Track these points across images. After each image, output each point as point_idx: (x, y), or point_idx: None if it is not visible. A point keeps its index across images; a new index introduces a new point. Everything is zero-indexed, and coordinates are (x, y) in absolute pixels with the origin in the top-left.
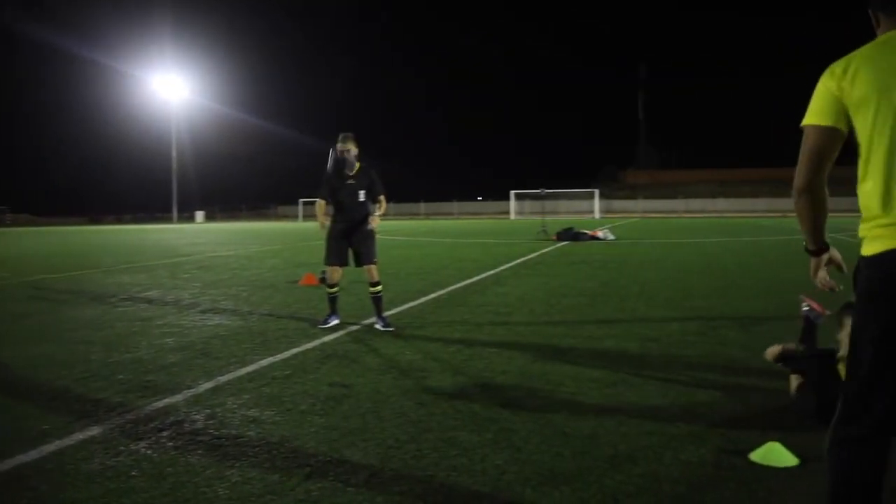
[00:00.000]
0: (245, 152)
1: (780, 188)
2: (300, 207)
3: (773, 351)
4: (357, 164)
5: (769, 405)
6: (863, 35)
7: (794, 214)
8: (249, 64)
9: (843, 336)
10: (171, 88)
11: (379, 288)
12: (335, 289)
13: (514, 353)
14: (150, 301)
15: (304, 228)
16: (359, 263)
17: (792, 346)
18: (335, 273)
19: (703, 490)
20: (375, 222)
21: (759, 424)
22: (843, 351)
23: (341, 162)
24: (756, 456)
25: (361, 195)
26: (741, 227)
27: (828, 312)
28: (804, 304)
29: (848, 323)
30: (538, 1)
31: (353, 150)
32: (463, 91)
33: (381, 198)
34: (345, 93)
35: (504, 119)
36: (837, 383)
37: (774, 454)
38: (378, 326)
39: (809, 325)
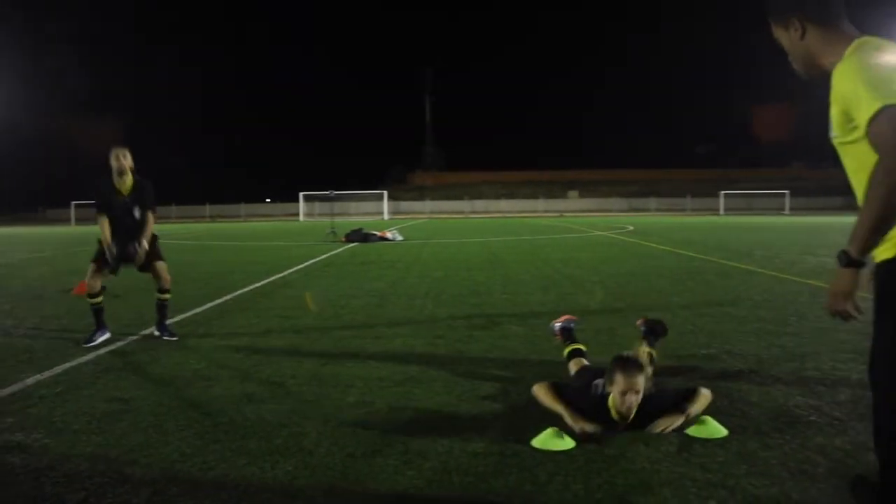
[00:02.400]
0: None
1: (555, 190)
2: (72, 210)
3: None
4: (130, 178)
5: None
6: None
7: (573, 214)
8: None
9: (614, 391)
10: None
11: (168, 296)
12: (98, 299)
13: (304, 356)
14: None
15: (79, 233)
16: (144, 269)
17: (567, 317)
18: (96, 279)
19: (489, 479)
20: (143, 248)
21: (540, 412)
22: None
23: (110, 180)
24: (537, 442)
25: (136, 212)
26: (522, 227)
27: (577, 318)
28: (555, 324)
29: (619, 380)
30: (330, 5)
31: (127, 163)
32: (251, 91)
33: (150, 214)
34: (127, 90)
35: (294, 120)
36: (602, 415)
37: (553, 439)
38: (158, 334)
39: (568, 331)
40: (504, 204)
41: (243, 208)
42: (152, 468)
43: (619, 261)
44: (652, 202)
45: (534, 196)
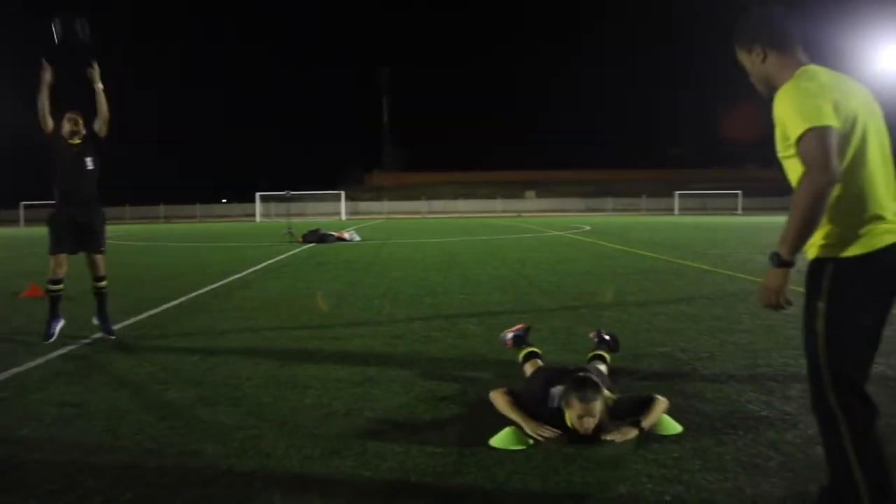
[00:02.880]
0: None
1: (513, 190)
2: (21, 211)
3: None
4: (81, 141)
5: None
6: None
7: (530, 214)
8: None
9: (571, 415)
10: None
11: (105, 283)
12: (60, 286)
13: (260, 358)
14: None
15: (28, 235)
16: (83, 250)
17: (519, 326)
18: (61, 266)
19: (447, 478)
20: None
21: (497, 411)
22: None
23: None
24: (495, 441)
25: (89, 162)
26: (480, 227)
27: (528, 326)
28: (507, 334)
29: (575, 404)
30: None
31: (79, 129)
32: (206, 90)
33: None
34: (75, 90)
35: (250, 120)
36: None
37: (511, 438)
38: (98, 323)
39: (519, 339)
40: (462, 204)
41: (199, 209)
42: (105, 474)
43: (576, 260)
44: (608, 202)
45: (492, 196)
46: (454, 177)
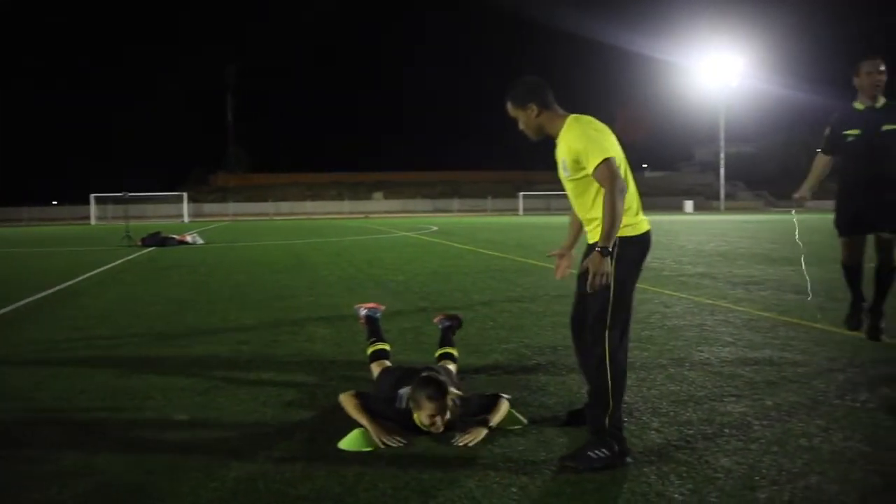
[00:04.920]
0: None
1: (361, 191)
2: None
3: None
4: None
5: None
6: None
7: (378, 215)
8: None
9: (421, 415)
10: None
11: None
12: None
13: (97, 369)
14: None
15: None
16: None
17: (372, 305)
18: None
19: (296, 483)
20: None
21: (346, 413)
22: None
23: None
24: (344, 444)
25: None
26: (328, 228)
27: (383, 307)
28: (360, 309)
29: (424, 404)
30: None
31: None
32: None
33: None
34: None
35: (85, 116)
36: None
37: (359, 440)
38: None
39: (372, 321)
40: (310, 205)
41: (26, 211)
42: None
43: (424, 260)
44: (455, 203)
45: (339, 198)
46: (301, 178)
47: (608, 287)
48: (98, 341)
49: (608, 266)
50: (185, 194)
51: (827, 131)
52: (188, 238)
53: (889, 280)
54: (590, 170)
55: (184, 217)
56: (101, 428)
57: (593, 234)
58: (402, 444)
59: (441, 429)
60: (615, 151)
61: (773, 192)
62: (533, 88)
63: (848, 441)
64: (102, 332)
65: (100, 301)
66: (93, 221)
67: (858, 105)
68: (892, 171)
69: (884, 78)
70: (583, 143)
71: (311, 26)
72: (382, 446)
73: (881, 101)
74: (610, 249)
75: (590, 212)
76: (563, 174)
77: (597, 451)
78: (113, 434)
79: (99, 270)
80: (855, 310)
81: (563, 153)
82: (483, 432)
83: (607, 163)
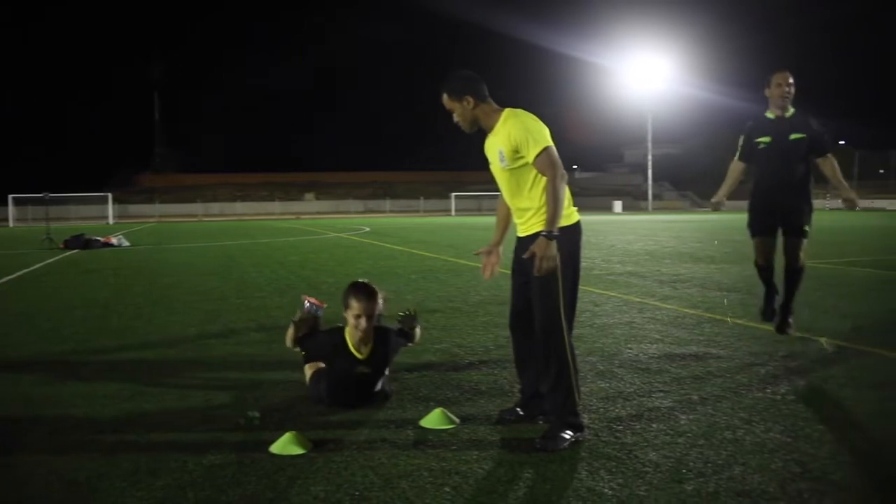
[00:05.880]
0: None
1: (292, 192)
2: None
3: (290, 334)
4: None
5: (287, 398)
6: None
7: (310, 216)
8: None
9: (349, 315)
10: None
11: None
12: None
13: (14, 377)
14: None
15: None
16: None
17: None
18: None
19: (227, 490)
20: None
21: (278, 418)
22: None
23: None
24: (275, 448)
25: None
26: (259, 230)
27: (325, 304)
28: (306, 301)
29: (353, 304)
30: None
31: None
32: None
33: None
34: None
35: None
36: (344, 361)
37: (291, 444)
38: None
39: (313, 318)
40: (240, 207)
41: None
42: None
43: (356, 262)
44: (387, 204)
45: (270, 198)
46: (231, 178)
47: (555, 275)
48: (18, 348)
49: (554, 250)
50: (109, 195)
51: (741, 139)
52: (113, 240)
53: (795, 279)
54: (530, 158)
55: (109, 219)
56: (20, 438)
57: (524, 226)
58: (322, 306)
59: (367, 334)
60: (553, 142)
61: (698, 193)
62: (469, 81)
63: (769, 432)
64: (22, 339)
65: (19, 306)
66: (11, 223)
67: (770, 114)
68: (798, 177)
69: (792, 90)
70: (523, 133)
71: (240, 21)
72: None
73: (790, 110)
74: (555, 234)
75: (524, 201)
76: (498, 165)
77: (565, 432)
78: (34, 445)
79: (18, 274)
80: (769, 302)
81: (500, 144)
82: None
83: (548, 151)
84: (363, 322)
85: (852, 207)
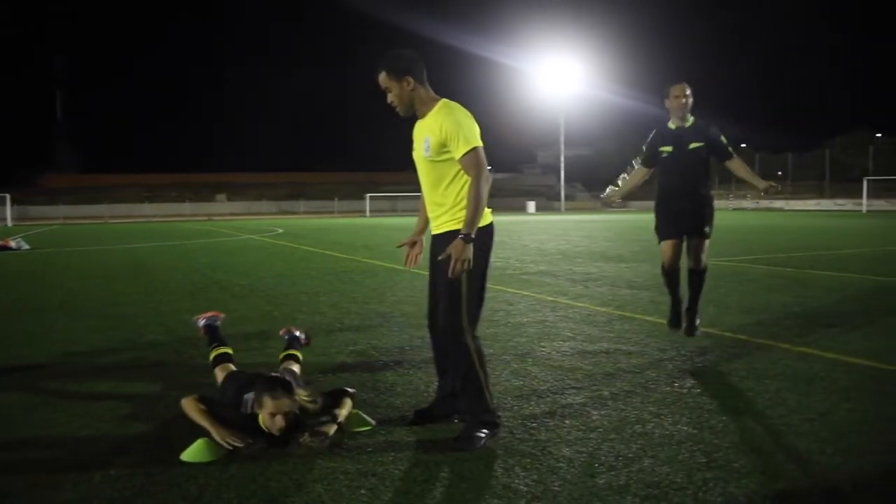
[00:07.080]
0: None
1: (203, 193)
2: None
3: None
4: None
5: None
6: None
7: (222, 218)
8: None
9: (263, 413)
10: None
11: None
12: None
13: None
14: None
15: None
16: None
17: (212, 314)
18: None
19: (135, 500)
20: None
21: (189, 423)
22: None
23: None
24: (186, 455)
25: None
26: (169, 232)
27: (222, 314)
28: (199, 319)
29: (267, 403)
30: None
31: None
32: None
33: None
34: None
35: None
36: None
37: (202, 451)
38: None
39: (213, 329)
40: (148, 208)
41: None
42: None
43: (269, 264)
44: (301, 205)
45: (180, 200)
46: (139, 179)
47: (462, 276)
48: None
49: (470, 252)
50: (7, 196)
51: (645, 147)
52: (11, 243)
53: (699, 281)
54: (457, 155)
55: (7, 220)
56: None
57: (437, 221)
58: (249, 444)
59: (283, 429)
60: (482, 142)
61: None
62: (413, 61)
63: (676, 425)
64: None
65: None
66: None
67: (671, 124)
68: (699, 183)
69: (689, 100)
70: (454, 127)
71: (146, 19)
72: (229, 447)
73: (690, 120)
74: (472, 237)
75: (440, 196)
76: (422, 154)
77: (480, 431)
78: None
79: None
80: (675, 312)
81: (428, 132)
82: (333, 428)
83: (476, 151)
84: (279, 421)
85: (776, 191)
